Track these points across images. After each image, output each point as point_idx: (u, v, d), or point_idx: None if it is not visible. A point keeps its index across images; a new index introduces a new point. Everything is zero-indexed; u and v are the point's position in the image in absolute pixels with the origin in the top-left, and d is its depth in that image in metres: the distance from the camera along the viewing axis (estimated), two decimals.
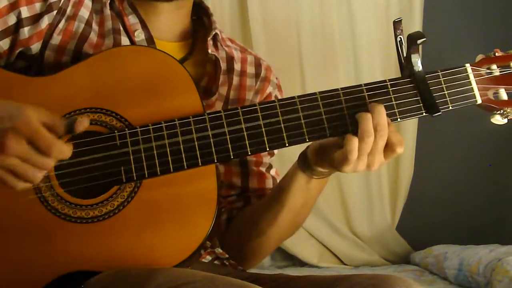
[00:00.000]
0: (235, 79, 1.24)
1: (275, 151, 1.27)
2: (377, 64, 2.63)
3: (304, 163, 1.11)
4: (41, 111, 0.91)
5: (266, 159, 1.27)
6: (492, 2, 2.75)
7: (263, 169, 1.25)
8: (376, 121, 1.00)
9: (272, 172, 1.27)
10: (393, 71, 2.59)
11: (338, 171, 1.04)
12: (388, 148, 1.01)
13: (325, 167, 1.08)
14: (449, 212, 2.69)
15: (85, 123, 0.94)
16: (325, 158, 1.06)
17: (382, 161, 1.02)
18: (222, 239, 1.26)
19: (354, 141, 0.99)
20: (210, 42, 1.20)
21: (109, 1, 1.15)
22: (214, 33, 1.21)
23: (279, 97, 1.29)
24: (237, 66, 1.25)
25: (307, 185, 1.13)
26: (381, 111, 1.01)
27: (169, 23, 1.20)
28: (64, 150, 0.90)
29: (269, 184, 1.25)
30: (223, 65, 1.22)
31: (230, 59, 1.24)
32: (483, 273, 2.02)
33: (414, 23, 2.62)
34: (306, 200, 1.16)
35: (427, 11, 2.68)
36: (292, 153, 2.50)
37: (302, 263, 2.54)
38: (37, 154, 0.88)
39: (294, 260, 2.53)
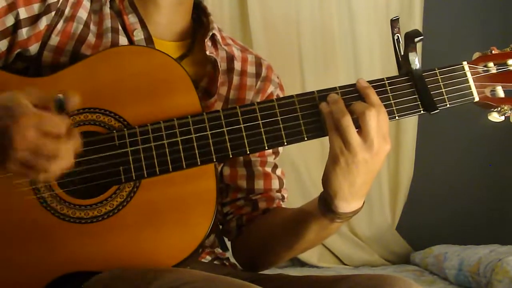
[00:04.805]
0: (235, 79, 1.23)
1: (280, 151, 1.27)
2: (377, 64, 2.63)
3: (325, 207, 1.07)
4: (32, 92, 0.88)
5: (271, 158, 1.25)
6: (492, 2, 2.76)
7: (268, 169, 1.24)
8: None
9: (278, 172, 1.25)
10: (393, 71, 2.56)
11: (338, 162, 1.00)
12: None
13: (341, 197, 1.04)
14: (449, 212, 2.69)
15: (76, 99, 0.91)
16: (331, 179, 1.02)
17: (357, 139, 0.98)
18: (232, 246, 1.26)
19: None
20: (208, 43, 1.19)
21: (109, 0, 1.15)
22: (211, 33, 1.20)
23: (281, 96, 1.28)
24: (237, 66, 1.24)
25: (329, 226, 1.10)
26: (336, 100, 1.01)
27: (169, 20, 1.19)
28: (75, 134, 0.88)
29: (275, 185, 1.24)
30: (223, 65, 1.21)
31: (230, 58, 1.24)
32: (483, 273, 2.01)
33: (414, 23, 2.62)
34: (327, 234, 1.15)
35: (427, 10, 2.69)
36: (290, 153, 2.47)
37: (302, 263, 2.54)
38: (46, 140, 0.85)
39: (294, 260, 2.53)
